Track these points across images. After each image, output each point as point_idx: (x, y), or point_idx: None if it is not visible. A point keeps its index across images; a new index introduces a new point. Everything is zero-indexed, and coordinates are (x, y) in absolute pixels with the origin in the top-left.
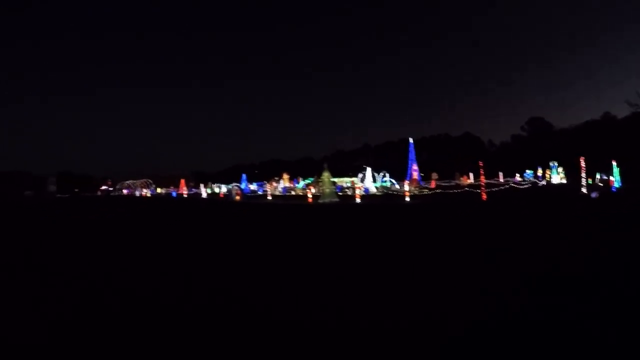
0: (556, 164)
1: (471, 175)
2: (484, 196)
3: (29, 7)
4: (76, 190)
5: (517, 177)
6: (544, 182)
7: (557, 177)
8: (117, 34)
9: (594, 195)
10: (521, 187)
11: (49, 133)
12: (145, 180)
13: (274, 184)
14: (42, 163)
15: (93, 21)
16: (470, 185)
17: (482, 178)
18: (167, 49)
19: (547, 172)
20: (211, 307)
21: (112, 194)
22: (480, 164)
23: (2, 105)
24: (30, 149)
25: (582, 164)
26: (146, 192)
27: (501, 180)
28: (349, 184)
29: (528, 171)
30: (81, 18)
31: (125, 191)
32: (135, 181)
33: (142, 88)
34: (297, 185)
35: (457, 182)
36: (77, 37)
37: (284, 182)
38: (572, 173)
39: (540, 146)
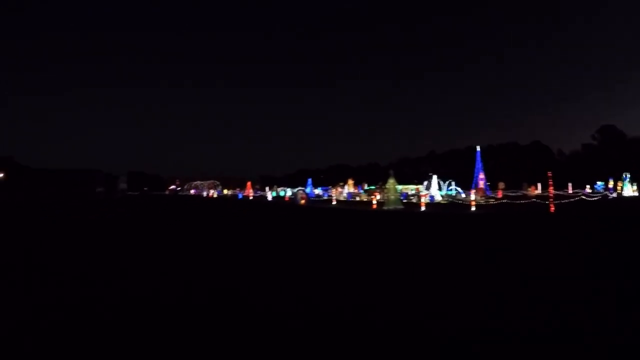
0: (629, 175)
1: (539, 185)
2: (552, 208)
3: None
4: (145, 188)
5: (587, 189)
6: (614, 195)
7: (630, 189)
8: (194, 33)
9: None
10: (591, 199)
11: (122, 134)
12: (212, 181)
13: (339, 189)
14: (115, 163)
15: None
16: (538, 196)
17: (551, 189)
18: (247, 50)
19: (619, 183)
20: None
21: (179, 193)
22: (549, 174)
23: (79, 109)
24: (104, 149)
25: None
26: (213, 193)
27: (570, 191)
28: (413, 191)
29: (599, 183)
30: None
31: (192, 191)
32: (202, 182)
33: (213, 88)
34: (361, 191)
35: (525, 192)
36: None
37: (349, 188)
38: None
39: (611, 156)
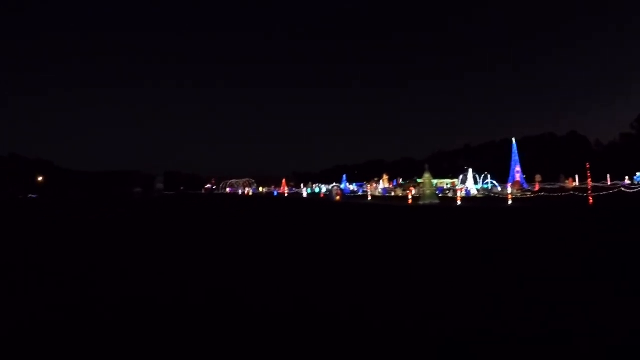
0: None
1: (576, 177)
2: (591, 200)
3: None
4: (182, 188)
5: (627, 180)
6: None
7: None
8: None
9: None
10: (630, 191)
11: (161, 135)
12: (247, 179)
13: (374, 184)
14: (153, 163)
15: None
16: (575, 189)
17: (589, 181)
18: (288, 50)
19: None
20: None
21: (215, 192)
22: (587, 165)
23: (119, 111)
24: (143, 150)
25: None
26: (248, 191)
27: (609, 183)
28: (449, 186)
29: (638, 174)
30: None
31: (228, 189)
32: (238, 180)
33: (245, 88)
34: (396, 186)
35: (562, 184)
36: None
37: (384, 183)
38: None
39: None
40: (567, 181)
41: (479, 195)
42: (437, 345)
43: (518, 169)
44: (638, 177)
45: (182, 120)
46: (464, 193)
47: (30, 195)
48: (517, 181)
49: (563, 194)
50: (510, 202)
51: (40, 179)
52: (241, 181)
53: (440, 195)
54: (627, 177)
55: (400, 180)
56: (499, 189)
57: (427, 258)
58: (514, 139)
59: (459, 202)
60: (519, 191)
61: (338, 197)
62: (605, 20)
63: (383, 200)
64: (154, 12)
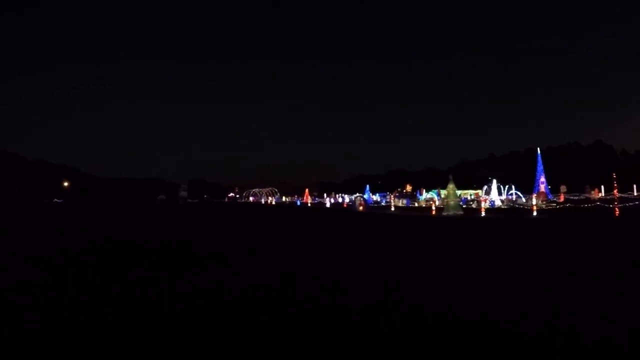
0: None
1: (602, 187)
2: (617, 212)
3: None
4: (205, 196)
5: None
6: None
7: None
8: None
9: None
10: None
11: (185, 143)
12: (270, 188)
13: (397, 194)
14: (177, 171)
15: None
16: (601, 200)
17: (615, 191)
18: (307, 50)
19: None
20: None
21: (238, 200)
22: (614, 175)
23: (143, 120)
24: (169, 158)
25: None
26: (271, 200)
27: (635, 194)
28: (472, 197)
29: None
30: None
31: (251, 198)
32: (261, 189)
33: (270, 87)
34: (419, 197)
35: (587, 195)
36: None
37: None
38: None
39: None
40: (592, 192)
41: (503, 207)
42: None
43: (543, 179)
44: None
45: (206, 128)
46: (488, 204)
47: (55, 199)
48: (542, 192)
49: (589, 205)
50: (535, 213)
51: (65, 184)
52: (264, 190)
53: (464, 206)
54: None
55: (424, 191)
56: (524, 200)
57: (440, 272)
58: (538, 149)
59: (482, 214)
60: (544, 202)
61: (361, 207)
62: (631, 27)
63: (406, 210)
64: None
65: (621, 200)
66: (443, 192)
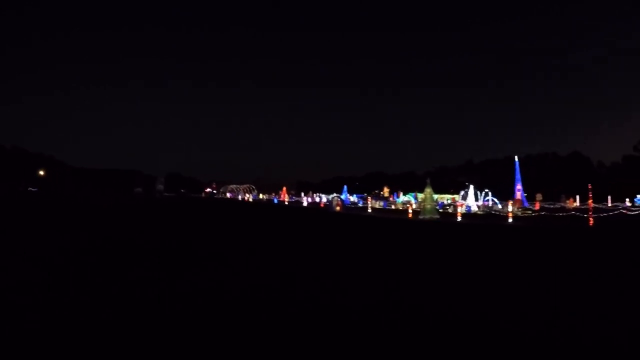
0: None
1: (577, 197)
2: (591, 221)
3: None
4: (182, 190)
5: (627, 202)
6: None
7: None
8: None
9: None
10: (631, 213)
11: (164, 136)
12: (248, 185)
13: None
14: (154, 164)
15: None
16: (576, 209)
17: (590, 202)
18: (290, 49)
19: None
20: None
21: (215, 196)
22: (589, 186)
23: (124, 111)
24: (145, 150)
25: None
26: (248, 197)
27: (609, 204)
28: (449, 201)
29: (639, 196)
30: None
31: (228, 194)
32: (238, 185)
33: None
34: (397, 199)
35: (563, 204)
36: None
37: (384, 196)
38: None
39: None
40: (567, 201)
41: (479, 212)
42: None
43: (519, 187)
44: (638, 199)
45: (186, 122)
46: (464, 209)
47: (29, 188)
48: (518, 199)
49: (564, 213)
50: (510, 220)
51: (41, 173)
52: (242, 187)
53: (440, 210)
54: (627, 199)
55: (401, 193)
56: (500, 206)
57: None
58: (516, 157)
59: (459, 218)
60: (520, 209)
61: (338, 208)
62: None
63: (383, 212)
64: (154, 10)
65: (595, 210)
66: (420, 196)
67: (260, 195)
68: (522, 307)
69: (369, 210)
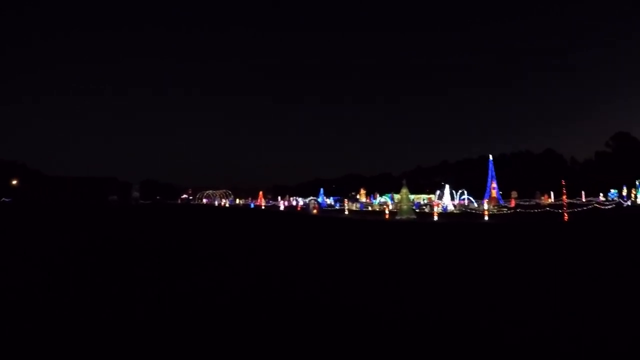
0: None
1: (552, 194)
2: (566, 217)
3: None
4: (158, 197)
5: (601, 197)
6: (629, 203)
7: None
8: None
9: None
10: (604, 207)
11: (138, 143)
12: (224, 190)
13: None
14: (129, 171)
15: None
16: (550, 205)
17: (564, 197)
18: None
19: (633, 191)
20: None
21: (192, 202)
22: (563, 182)
23: (100, 118)
24: (120, 158)
25: None
26: (225, 202)
27: (583, 200)
28: (425, 201)
29: (612, 190)
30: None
31: (205, 200)
32: (215, 191)
33: (224, 96)
34: (373, 201)
35: (538, 201)
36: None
37: (361, 198)
38: None
39: (626, 164)
40: (542, 198)
41: (455, 211)
42: None
43: (494, 185)
44: (612, 194)
45: (161, 128)
46: (441, 209)
47: (3, 199)
48: (494, 197)
49: (539, 210)
50: (486, 217)
51: (14, 182)
52: (218, 192)
53: (417, 210)
54: (601, 194)
55: (378, 195)
56: (475, 204)
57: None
58: (490, 156)
59: (435, 218)
60: (495, 207)
61: (315, 211)
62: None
63: (360, 214)
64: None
65: (570, 205)
66: (397, 197)
67: (237, 200)
68: (497, 303)
69: (346, 213)
